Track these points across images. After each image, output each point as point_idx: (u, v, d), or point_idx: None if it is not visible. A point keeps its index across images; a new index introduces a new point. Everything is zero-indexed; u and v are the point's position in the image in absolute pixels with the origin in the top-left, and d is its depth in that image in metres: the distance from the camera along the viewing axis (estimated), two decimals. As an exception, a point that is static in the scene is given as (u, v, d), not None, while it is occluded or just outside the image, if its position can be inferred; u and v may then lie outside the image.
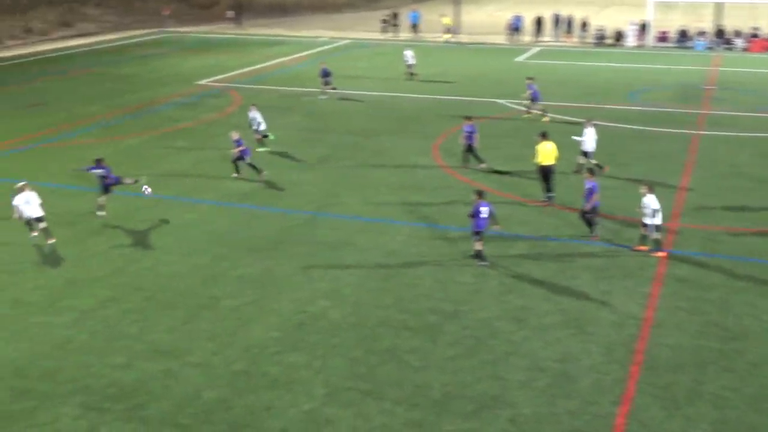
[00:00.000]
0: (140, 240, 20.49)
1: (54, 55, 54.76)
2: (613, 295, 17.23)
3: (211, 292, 17.52)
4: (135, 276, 18.35)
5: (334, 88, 37.95)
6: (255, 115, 28.82)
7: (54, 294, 17.47)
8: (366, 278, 18.14)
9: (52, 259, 19.33)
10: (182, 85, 42.18)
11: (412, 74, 42.47)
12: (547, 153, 22.73)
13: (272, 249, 19.86)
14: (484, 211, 18.52)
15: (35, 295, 17.44)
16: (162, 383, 13.98)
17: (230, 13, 70.11)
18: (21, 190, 20.04)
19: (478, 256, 18.77)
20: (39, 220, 20.02)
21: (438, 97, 38.00)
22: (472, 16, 70.46)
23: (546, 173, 22.84)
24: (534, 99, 33.16)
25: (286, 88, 40.51)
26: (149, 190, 22.14)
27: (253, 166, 25.34)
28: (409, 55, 42.99)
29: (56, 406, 13.34)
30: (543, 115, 32.97)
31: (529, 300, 17.02)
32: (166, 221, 21.81)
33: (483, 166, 26.04)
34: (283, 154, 28.27)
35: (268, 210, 22.66)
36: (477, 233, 18.69)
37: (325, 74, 37.82)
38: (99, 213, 22.10)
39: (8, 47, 58.84)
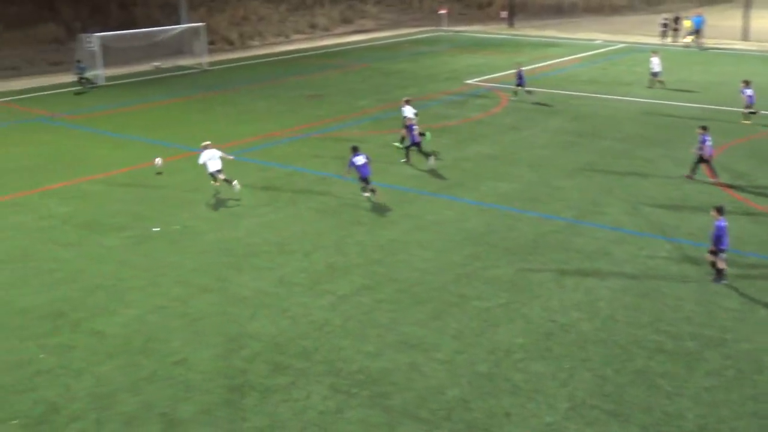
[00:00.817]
0: (399, 233, 21.16)
1: (334, 49, 57.89)
2: None
3: (461, 290, 17.73)
4: (391, 267, 18.98)
5: (528, 91, 37.71)
6: (407, 110, 28.49)
7: (315, 277, 18.50)
8: (622, 293, 17.52)
9: (317, 244, 20.46)
10: (451, 83, 42.98)
11: (659, 82, 39.97)
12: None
13: (527, 253, 19.74)
14: (722, 227, 17.54)
15: (299, 276, 18.56)
16: (407, 375, 14.36)
17: (504, 14, 70.41)
18: (206, 147, 24.17)
19: (719, 273, 17.80)
20: (219, 172, 24.06)
21: (713, 107, 35.82)
22: (763, 22, 65.62)
23: None
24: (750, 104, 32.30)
25: (556, 91, 40.04)
26: (159, 161, 26.45)
27: (423, 153, 26.87)
28: (655, 61, 39.97)
29: (310, 384, 14.13)
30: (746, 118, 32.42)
31: (803, 335, 15.62)
32: (424, 216, 22.35)
33: (714, 180, 24.77)
34: (546, 158, 27.98)
35: (525, 213, 22.54)
36: (718, 251, 17.73)
37: (519, 77, 37.49)
38: (364, 194, 23.57)
39: (293, 41, 63.00)
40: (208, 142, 24.64)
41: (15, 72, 48.88)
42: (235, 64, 51.70)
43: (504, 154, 28.74)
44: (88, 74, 42.92)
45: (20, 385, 14.17)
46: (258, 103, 38.71)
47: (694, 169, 25.19)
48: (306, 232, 21.30)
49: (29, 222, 22.28)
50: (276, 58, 54.61)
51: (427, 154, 27.14)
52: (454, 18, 72.77)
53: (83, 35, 45.92)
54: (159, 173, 26.62)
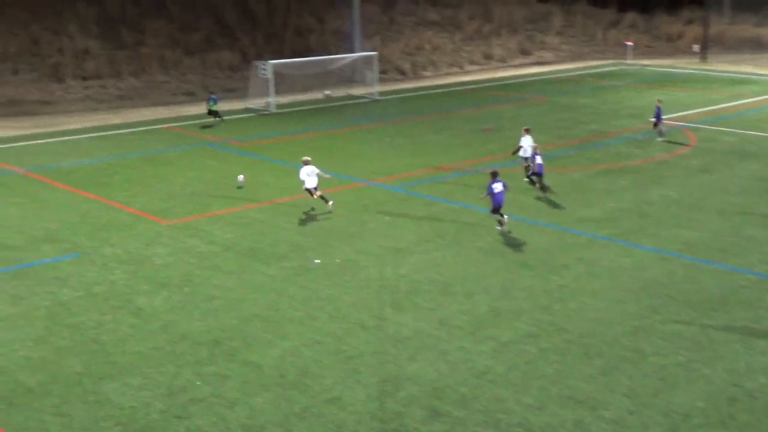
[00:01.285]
0: (570, 278, 20.69)
1: (510, 81, 57.81)
2: None
3: (637, 344, 17.07)
4: (559, 315, 18.54)
5: (659, 131, 36.47)
6: (526, 141, 28.98)
7: (478, 321, 18.33)
8: (821, 360, 16.33)
9: (481, 286, 20.30)
10: (634, 120, 41.89)
11: None
12: None
13: (711, 308, 18.79)
14: None
15: (461, 319, 18.45)
16: (572, 433, 13.93)
17: (696, 47, 68.09)
18: (305, 163, 26.17)
19: None
20: (315, 189, 26.13)
21: None
22: None
23: None
24: None
25: (752, 132, 38.21)
26: (241, 178, 28.92)
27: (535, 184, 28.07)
28: None
29: (465, 434, 13.96)
30: None
31: None
32: (599, 262, 21.76)
33: None
34: (738, 205, 26.67)
35: (712, 264, 21.50)
36: None
37: (658, 114, 36.02)
38: (499, 228, 24.22)
39: (467, 72, 63.44)
40: (307, 158, 26.48)
41: (190, 98, 51.67)
42: (406, 95, 52.58)
43: (690, 198, 27.63)
44: (216, 107, 42.35)
45: (175, 412, 14.76)
46: (428, 135, 39.11)
47: None
48: (470, 273, 21.19)
49: (195, 247, 23.34)
50: (449, 89, 55.11)
51: (543, 187, 27.88)
52: (641, 51, 71.11)
53: (257, 62, 48.04)
54: (240, 187, 29.03)
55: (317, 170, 26.33)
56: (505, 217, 24.27)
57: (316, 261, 22.13)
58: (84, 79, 52.60)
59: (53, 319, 18.57)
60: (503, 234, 23.86)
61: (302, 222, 25.51)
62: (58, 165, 33.77)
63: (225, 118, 42.88)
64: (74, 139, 39.69)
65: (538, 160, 28.06)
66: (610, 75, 59.92)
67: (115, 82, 53.04)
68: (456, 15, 74.20)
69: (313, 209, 26.57)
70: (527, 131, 30.09)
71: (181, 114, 46.31)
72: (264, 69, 46.52)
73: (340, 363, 16.46)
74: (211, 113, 42.71)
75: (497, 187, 23.85)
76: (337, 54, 55.60)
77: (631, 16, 79.36)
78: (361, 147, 36.76)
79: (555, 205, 26.83)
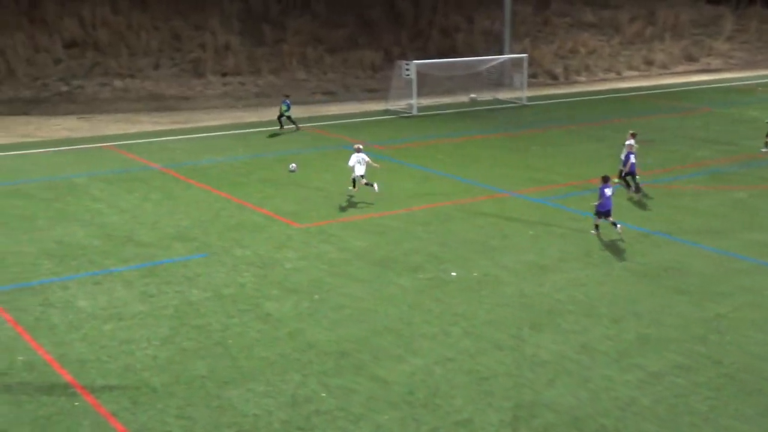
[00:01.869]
0: (729, 307, 19.90)
1: (672, 90, 56.31)
2: None
3: (803, 386, 16.28)
4: (715, 347, 17.87)
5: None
6: (630, 145, 28.98)
7: (624, 348, 17.87)
8: None
9: (630, 310, 19.81)
10: (812, 136, 40.01)
11: None
12: None
13: None
14: None
15: (606, 344, 18.03)
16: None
17: None
18: (357, 151, 28.52)
19: None
20: (362, 177, 28.54)
21: None
22: None
23: None
24: None
25: None
26: (293, 165, 30.25)
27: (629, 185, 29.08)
28: None
29: (604, 470, 13.61)
30: None
31: None
32: (764, 292, 20.86)
33: None
34: None
35: None
36: None
37: None
38: (592, 232, 24.79)
39: (624, 78, 62.20)
40: (359, 145, 29.10)
41: (330, 97, 52.77)
42: (557, 101, 52.02)
43: None
44: (289, 112, 40.86)
45: (297, 422, 15.01)
46: (578, 145, 38.53)
47: None
48: (618, 295, 20.70)
49: (326, 253, 23.72)
50: (604, 96, 54.17)
51: (638, 188, 28.35)
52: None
53: (401, 62, 48.51)
54: (292, 172, 30.48)
55: (367, 158, 28.66)
56: (618, 226, 24.65)
57: (452, 274, 22.11)
58: (223, 75, 54.47)
59: (181, 319, 19.24)
60: (599, 239, 23.94)
61: (440, 232, 25.54)
62: (194, 162, 35.04)
63: (374, 119, 43.41)
64: (210, 136, 41.10)
65: (632, 159, 28.83)
66: (786, 85, 57.54)
67: (255, 79, 54.71)
68: (615, 16, 72.82)
69: (352, 197, 29.16)
70: (633, 136, 30.10)
71: (320, 114, 47.29)
72: (408, 69, 46.91)
73: (473, 384, 16.36)
74: (283, 119, 41.19)
75: (608, 191, 24.41)
76: (484, 55, 55.53)
77: (812, 21, 76.05)
78: (506, 155, 36.57)
79: (717, 227, 25.92)
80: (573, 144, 38.71)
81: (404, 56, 56.47)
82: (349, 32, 61.39)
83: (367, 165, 28.73)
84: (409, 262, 23.05)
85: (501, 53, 56.19)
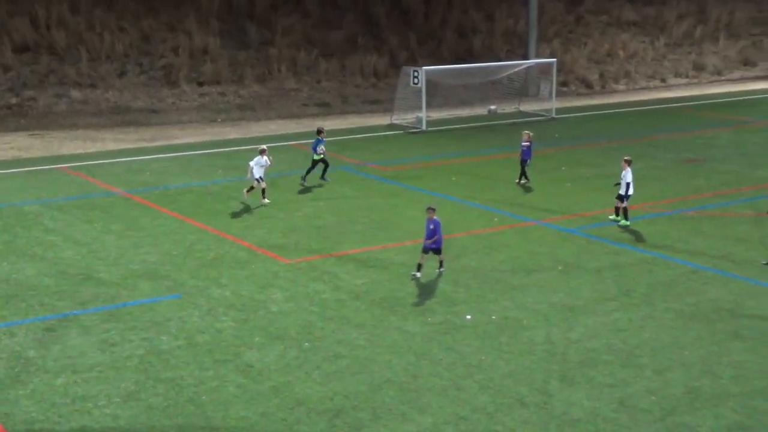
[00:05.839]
0: (794, 356, 19.92)
1: (727, 99, 56.50)
2: None
3: None
4: (778, 404, 17.85)
5: None
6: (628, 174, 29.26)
7: (670, 404, 17.77)
8: None
9: (676, 359, 19.75)
10: None
11: None
12: None
13: None
14: None
15: (648, 400, 17.97)
16: None
17: None
18: (262, 153, 32.13)
19: None
20: (260, 180, 31.88)
21: None
22: None
23: None
24: None
25: None
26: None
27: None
28: None
29: None
30: None
31: None
32: (834, 337, 20.87)
33: None
34: None
35: None
36: None
37: None
38: None
39: (671, 86, 62.46)
40: (264, 147, 32.68)
41: (324, 109, 52.98)
42: (592, 113, 52.22)
43: None
44: (321, 154, 35.49)
45: (283, 494, 14.96)
46: (616, 165, 38.41)
47: None
48: (662, 342, 20.65)
49: (318, 293, 23.71)
50: (647, 107, 54.37)
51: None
52: None
53: (408, 68, 48.67)
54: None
55: (268, 163, 32.22)
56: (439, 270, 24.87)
57: (467, 317, 22.09)
58: (200, 84, 54.74)
59: (147, 372, 19.21)
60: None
61: (452, 267, 25.54)
62: (164, 186, 35.15)
63: (377, 135, 43.52)
64: (185, 155, 41.25)
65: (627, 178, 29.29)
66: None
67: (236, 89, 54.96)
68: (660, 14, 73.26)
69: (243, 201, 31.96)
70: (628, 163, 29.75)
71: (312, 128, 47.38)
72: (416, 77, 47.11)
73: (491, 447, 16.33)
74: (317, 164, 35.70)
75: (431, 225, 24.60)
76: (506, 60, 55.80)
77: None
78: (531, 176, 36.61)
79: (779, 261, 25.91)
80: (609, 164, 38.71)
81: (413, 61, 56.74)
82: (348, 33, 61.73)
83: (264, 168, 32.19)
84: (415, 303, 23.04)
85: (526, 58, 56.44)
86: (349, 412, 17.54)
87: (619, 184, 29.55)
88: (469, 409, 17.61)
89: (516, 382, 18.72)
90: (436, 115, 49.98)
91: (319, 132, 35.59)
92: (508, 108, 53.04)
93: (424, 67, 47.47)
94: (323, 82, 57.40)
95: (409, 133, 46.37)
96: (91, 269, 25.61)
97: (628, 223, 29.41)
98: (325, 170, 35.50)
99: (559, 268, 25.54)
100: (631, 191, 29.31)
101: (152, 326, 21.54)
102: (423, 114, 47.19)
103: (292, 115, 51.29)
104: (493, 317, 22.09)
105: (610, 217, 29.92)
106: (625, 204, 29.43)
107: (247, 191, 32.44)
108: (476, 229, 29.20)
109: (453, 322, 21.84)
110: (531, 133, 36.03)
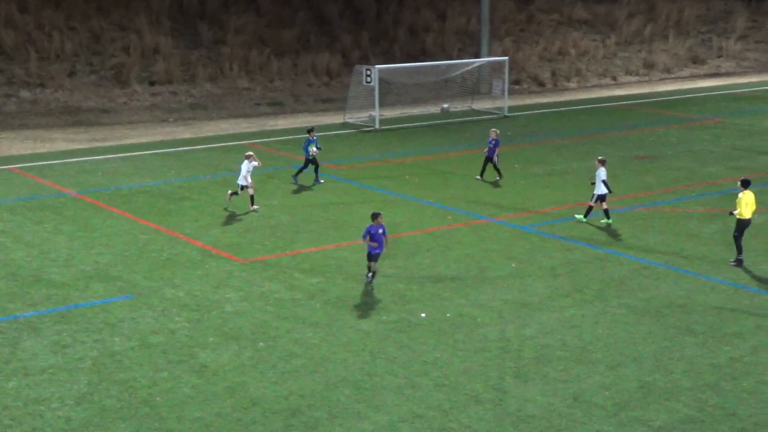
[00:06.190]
0: (746, 350, 20.11)
1: (677, 97, 57.02)
2: None
3: (831, 441, 16.47)
4: (729, 397, 17.99)
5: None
6: (602, 173, 28.95)
7: (623, 399, 17.92)
8: None
9: (629, 355, 19.92)
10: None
11: None
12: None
13: None
14: None
15: (601, 396, 18.09)
16: None
17: None
18: (247, 158, 31.07)
19: None
20: (243, 188, 31.11)
21: None
22: None
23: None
24: None
25: None
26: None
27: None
28: None
29: None
30: None
31: None
32: (784, 331, 21.17)
33: None
34: None
35: None
36: None
37: None
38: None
39: (622, 84, 62.97)
40: (251, 152, 31.66)
41: (277, 109, 52.83)
42: (544, 111, 52.51)
43: None
44: (316, 152, 35.19)
45: (239, 494, 14.91)
46: (569, 162, 38.85)
47: None
48: (616, 337, 20.82)
49: (273, 292, 23.65)
50: (598, 105, 54.76)
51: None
52: None
53: (361, 67, 48.67)
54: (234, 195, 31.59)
55: (251, 169, 31.28)
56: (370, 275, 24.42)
57: (422, 315, 22.12)
58: (152, 83, 54.39)
59: (100, 374, 19.05)
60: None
61: (406, 266, 25.58)
62: (116, 187, 34.87)
63: (331, 133, 43.37)
64: (136, 155, 40.95)
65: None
66: (807, 91, 58.49)
67: (188, 88, 54.67)
68: (610, 12, 73.89)
69: (227, 207, 31.41)
70: (602, 163, 29.61)
71: (266, 128, 47.29)
72: (369, 75, 47.12)
73: (446, 445, 16.37)
74: (309, 163, 35.63)
75: (380, 230, 24.00)
76: (459, 59, 55.97)
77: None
78: (486, 175, 36.74)
79: (729, 256, 26.18)
80: (562, 162, 39.01)
81: (365, 60, 56.76)
82: (300, 32, 61.63)
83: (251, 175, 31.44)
84: (370, 302, 23.05)
85: (478, 56, 56.63)
86: (304, 411, 17.51)
87: (595, 183, 29.46)
88: (424, 407, 17.64)
89: (471, 379, 18.78)
90: (389, 113, 50.01)
91: (310, 131, 35.53)
92: (461, 106, 53.18)
93: (377, 66, 47.47)
94: (276, 81, 57.26)
95: (363, 131, 46.36)
96: (42, 271, 25.36)
97: (611, 220, 29.46)
98: (316, 171, 35.48)
99: (513, 265, 25.66)
100: (605, 190, 29.27)
101: (105, 327, 21.37)
102: (376, 113, 47.20)
103: (244, 115, 51.09)
104: (448, 315, 22.15)
105: (576, 216, 29.88)
106: (593, 203, 29.34)
107: (231, 195, 31.55)
108: (430, 227, 29.26)
109: (408, 320, 21.87)
110: (498, 131, 36.25)
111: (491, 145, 35.55)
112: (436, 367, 19.37)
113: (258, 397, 18.02)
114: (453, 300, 23.11)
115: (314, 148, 34.89)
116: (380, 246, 24.00)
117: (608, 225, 29.23)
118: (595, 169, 29.48)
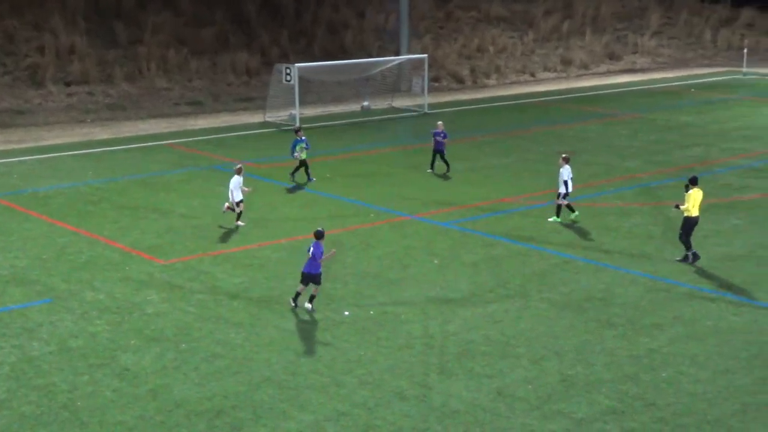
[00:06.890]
0: (664, 341, 20.45)
1: (595, 93, 57.77)
2: None
3: (747, 426, 16.81)
4: (649, 387, 18.31)
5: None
6: (565, 172, 29.05)
7: (546, 392, 18.15)
8: None
9: (551, 348, 20.14)
10: (750, 143, 41.55)
11: None
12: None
13: None
14: None
15: (525, 389, 18.29)
16: None
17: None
18: (238, 172, 28.93)
19: None
20: (240, 203, 28.95)
21: None
22: None
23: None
24: None
25: None
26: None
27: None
28: None
29: None
30: None
31: None
32: (701, 321, 21.52)
33: None
34: None
35: None
36: None
37: None
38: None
39: (540, 81, 63.57)
40: (240, 166, 29.62)
41: (196, 108, 52.36)
42: (464, 107, 52.79)
43: (821, 243, 27.31)
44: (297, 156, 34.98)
45: (163, 498, 14.78)
46: (490, 158, 39.14)
47: None
48: (538, 332, 21.03)
49: (195, 293, 23.47)
50: (517, 101, 55.22)
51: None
52: (760, 56, 70.69)
53: (280, 65, 48.50)
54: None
55: (240, 183, 29.06)
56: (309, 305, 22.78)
57: (345, 313, 22.13)
58: (67, 84, 53.53)
59: (18, 380, 18.73)
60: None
61: (329, 264, 25.56)
62: (33, 189, 34.29)
63: (250, 133, 43.16)
64: (53, 157, 40.30)
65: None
66: (720, 87, 59.66)
67: (105, 88, 53.92)
68: (528, 9, 74.61)
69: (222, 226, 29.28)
70: (566, 160, 29.44)
71: (185, 128, 46.88)
72: (289, 74, 46.96)
73: (372, 442, 16.40)
74: (301, 166, 35.40)
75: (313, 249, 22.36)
76: (378, 56, 56.04)
77: (748, 13, 79.06)
78: (405, 172, 36.85)
79: (647, 250, 26.61)
80: (482, 158, 39.29)
81: (284, 59, 56.55)
82: (218, 31, 61.15)
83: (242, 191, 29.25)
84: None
85: (397, 54, 56.72)
86: (228, 412, 17.42)
87: (565, 182, 29.34)
88: (349, 405, 17.66)
89: (395, 376, 18.84)
90: (309, 112, 49.90)
91: (297, 131, 35.44)
92: (382, 104, 53.26)
93: (297, 64, 47.33)
94: (194, 80, 56.75)
95: (283, 130, 46.16)
96: (-43, 276, 24.88)
97: (577, 213, 29.36)
98: (306, 171, 35.15)
99: (435, 261, 25.79)
100: (570, 189, 29.24)
101: (23, 332, 21.02)
102: (296, 111, 47.07)
103: (163, 115, 50.55)
104: (372, 312, 22.18)
105: (549, 219, 29.69)
106: (565, 201, 29.30)
107: (227, 208, 29.40)
108: (352, 225, 29.27)
109: (331, 318, 21.85)
110: (442, 123, 36.92)
111: (439, 138, 36.10)
112: (360, 364, 19.39)
113: (181, 399, 17.88)
114: (376, 297, 23.15)
115: (296, 154, 34.86)
116: (308, 265, 22.38)
117: (575, 221, 29.29)
118: (559, 167, 29.43)
